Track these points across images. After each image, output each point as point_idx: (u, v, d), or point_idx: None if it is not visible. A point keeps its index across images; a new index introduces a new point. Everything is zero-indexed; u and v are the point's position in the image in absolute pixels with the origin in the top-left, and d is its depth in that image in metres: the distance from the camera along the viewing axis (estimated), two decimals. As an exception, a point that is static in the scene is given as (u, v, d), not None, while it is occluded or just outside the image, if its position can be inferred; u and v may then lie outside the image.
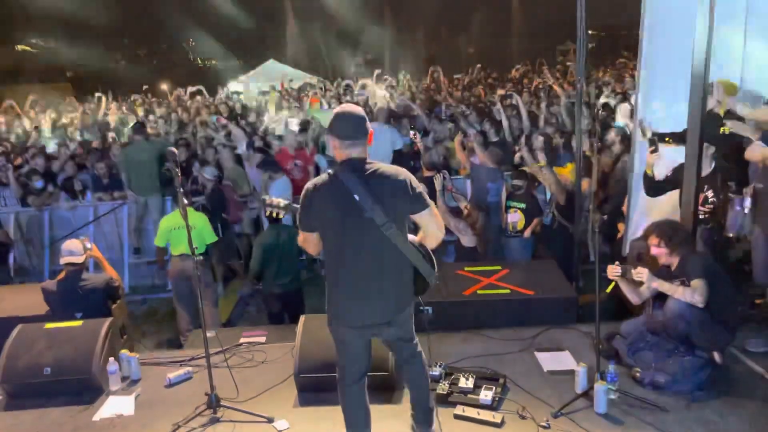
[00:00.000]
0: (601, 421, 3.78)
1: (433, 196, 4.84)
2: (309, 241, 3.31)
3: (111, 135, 12.03)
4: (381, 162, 3.23)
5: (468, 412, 3.87)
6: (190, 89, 19.32)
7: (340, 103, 13.05)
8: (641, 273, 4.22)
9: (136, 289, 8.07)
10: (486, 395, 3.97)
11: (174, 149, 3.95)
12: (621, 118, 7.95)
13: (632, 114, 6.84)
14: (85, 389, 4.36)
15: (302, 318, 4.57)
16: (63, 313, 4.98)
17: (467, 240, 6.15)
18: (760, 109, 5.17)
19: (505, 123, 8.72)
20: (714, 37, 4.44)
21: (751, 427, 3.69)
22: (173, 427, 3.93)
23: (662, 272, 4.32)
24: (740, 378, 4.18)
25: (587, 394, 3.96)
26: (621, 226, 6.02)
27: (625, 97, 10.69)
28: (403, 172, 3.18)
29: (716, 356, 4.22)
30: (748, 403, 3.89)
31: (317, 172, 8.39)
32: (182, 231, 6.05)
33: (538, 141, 7.14)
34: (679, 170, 5.04)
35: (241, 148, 9.32)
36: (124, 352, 4.67)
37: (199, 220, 6.14)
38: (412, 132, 7.84)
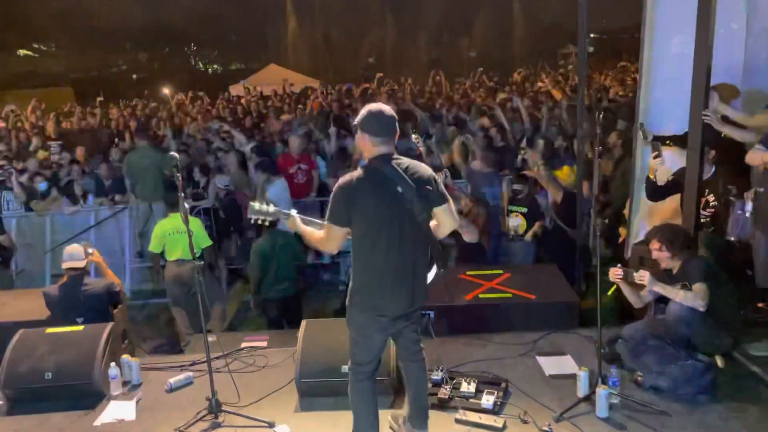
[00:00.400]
0: (603, 425, 3.77)
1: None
2: (335, 238, 3.31)
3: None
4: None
5: (470, 416, 3.85)
6: (192, 94, 19.37)
7: (341, 106, 13.08)
8: (643, 276, 4.22)
9: (137, 294, 8.08)
10: (488, 400, 3.96)
11: (175, 154, 3.96)
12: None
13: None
14: (86, 394, 4.35)
15: (304, 323, 4.57)
16: (64, 318, 4.98)
17: (469, 236, 6.13)
18: (759, 115, 5.16)
19: (507, 127, 8.73)
20: (715, 39, 4.45)
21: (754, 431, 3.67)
22: (174, 431, 3.92)
23: (664, 276, 4.32)
24: (743, 382, 4.17)
25: (589, 398, 3.95)
26: (623, 231, 6.02)
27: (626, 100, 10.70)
28: (427, 168, 3.39)
29: (719, 360, 4.20)
30: (751, 408, 3.87)
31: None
32: (177, 236, 6.07)
33: (539, 144, 7.15)
34: (680, 174, 5.04)
35: (245, 148, 9.30)
36: (125, 356, 4.67)
37: (194, 225, 6.14)
38: (414, 135, 7.85)
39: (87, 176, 9.18)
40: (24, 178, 8.64)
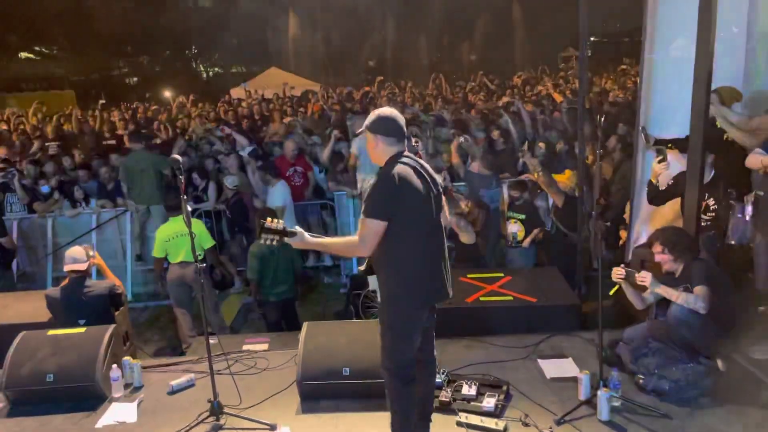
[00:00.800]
0: (604, 428, 3.77)
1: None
2: (377, 234, 3.20)
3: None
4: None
5: (471, 419, 3.86)
6: (193, 96, 19.37)
7: (342, 109, 13.08)
8: (645, 277, 4.22)
9: (138, 297, 8.09)
10: (489, 402, 3.97)
11: (178, 157, 3.96)
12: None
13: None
14: (87, 396, 4.36)
15: (305, 325, 4.57)
16: (66, 320, 4.98)
17: (467, 237, 6.13)
18: (759, 118, 5.17)
19: (513, 132, 8.75)
20: (716, 43, 4.45)
21: (755, 434, 3.68)
22: (176, 433, 3.93)
23: (666, 279, 4.33)
24: (744, 385, 4.16)
25: (590, 401, 3.95)
26: (623, 234, 6.02)
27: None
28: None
29: (720, 363, 4.21)
30: (752, 411, 3.87)
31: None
32: (180, 239, 6.08)
33: (540, 148, 7.16)
34: (680, 178, 5.04)
35: (244, 153, 9.32)
36: (127, 359, 4.68)
37: (197, 227, 6.15)
38: (414, 138, 7.85)
39: (88, 178, 9.18)
40: (26, 181, 8.66)
